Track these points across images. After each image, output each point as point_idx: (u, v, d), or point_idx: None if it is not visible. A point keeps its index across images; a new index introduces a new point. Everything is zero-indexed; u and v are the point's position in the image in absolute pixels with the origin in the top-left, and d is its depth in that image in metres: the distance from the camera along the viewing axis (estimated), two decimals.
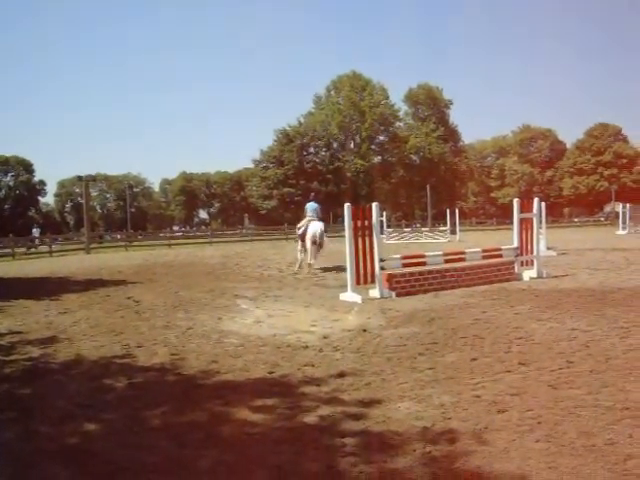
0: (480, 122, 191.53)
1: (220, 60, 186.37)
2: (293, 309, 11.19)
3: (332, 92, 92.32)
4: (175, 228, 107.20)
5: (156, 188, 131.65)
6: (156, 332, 9.12)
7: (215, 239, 50.19)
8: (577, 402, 5.18)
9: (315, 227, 18.27)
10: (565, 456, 4.07)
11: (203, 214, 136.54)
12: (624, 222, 43.10)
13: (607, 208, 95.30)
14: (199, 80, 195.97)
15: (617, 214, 55.61)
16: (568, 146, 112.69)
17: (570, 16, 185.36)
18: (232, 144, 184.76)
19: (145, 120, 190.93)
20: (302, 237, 18.80)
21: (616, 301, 10.78)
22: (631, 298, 11.07)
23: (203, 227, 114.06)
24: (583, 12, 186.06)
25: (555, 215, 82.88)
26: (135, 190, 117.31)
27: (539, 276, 14.72)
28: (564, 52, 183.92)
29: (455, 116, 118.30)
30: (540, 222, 17.27)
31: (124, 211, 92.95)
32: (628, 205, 45.18)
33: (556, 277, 14.78)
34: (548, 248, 22.33)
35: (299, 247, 19.36)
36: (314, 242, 18.04)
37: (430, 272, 13.25)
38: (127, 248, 42.35)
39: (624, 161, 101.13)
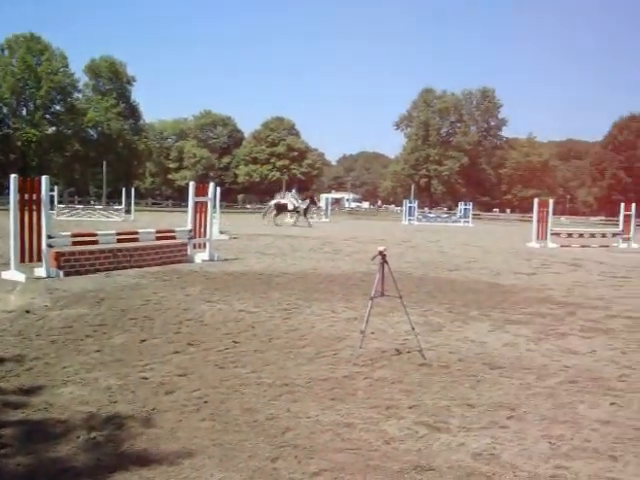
0: (162, 102, 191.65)
1: None
2: None
3: (6, 52, 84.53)
4: None
5: None
6: None
7: None
8: (242, 380, 5.40)
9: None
10: (230, 432, 4.22)
11: None
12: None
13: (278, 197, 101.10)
14: None
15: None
16: (245, 135, 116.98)
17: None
18: None
19: None
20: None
21: (280, 284, 11.48)
22: (294, 282, 11.87)
23: None
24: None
25: (229, 201, 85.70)
26: None
27: (211, 259, 15.10)
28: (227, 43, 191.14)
29: (137, 94, 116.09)
30: (214, 206, 17.74)
31: None
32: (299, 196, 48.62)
33: (227, 260, 15.30)
34: (221, 232, 23.00)
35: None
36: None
37: (102, 251, 12.87)
38: None
39: (295, 154, 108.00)
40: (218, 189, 19.78)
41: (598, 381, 5.77)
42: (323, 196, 79.07)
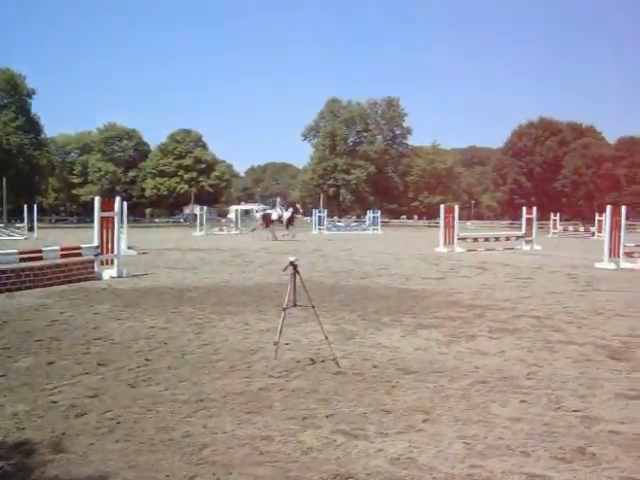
0: (64, 115, 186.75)
1: None
2: None
3: None
4: None
5: None
6: None
7: None
8: (155, 398, 5.28)
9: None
10: (145, 453, 4.11)
11: None
12: (201, 224, 45.62)
13: (186, 210, 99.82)
14: None
15: (195, 216, 58.72)
16: (152, 148, 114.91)
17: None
18: None
19: None
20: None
21: (192, 299, 11.33)
22: (206, 295, 11.75)
23: None
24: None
25: (137, 215, 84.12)
26: None
27: (119, 275, 14.76)
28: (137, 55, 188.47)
29: (37, 107, 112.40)
30: (121, 221, 17.37)
31: None
32: (205, 208, 48.15)
33: (136, 276, 14.99)
34: (129, 247, 22.55)
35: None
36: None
37: (3, 272, 12.37)
38: None
39: (203, 166, 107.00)
40: (125, 203, 19.43)
41: (508, 380, 5.95)
42: (232, 208, 78.66)
